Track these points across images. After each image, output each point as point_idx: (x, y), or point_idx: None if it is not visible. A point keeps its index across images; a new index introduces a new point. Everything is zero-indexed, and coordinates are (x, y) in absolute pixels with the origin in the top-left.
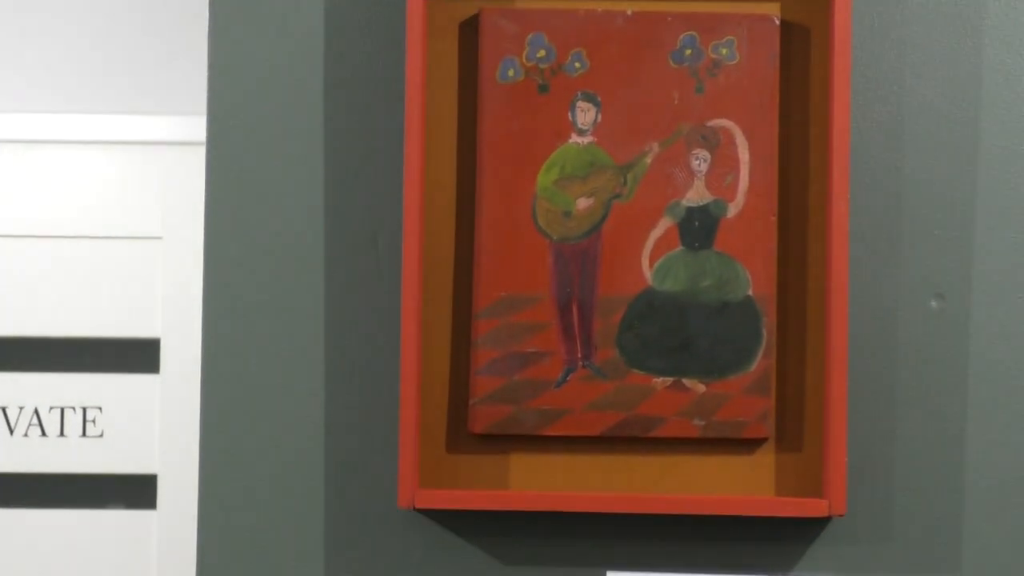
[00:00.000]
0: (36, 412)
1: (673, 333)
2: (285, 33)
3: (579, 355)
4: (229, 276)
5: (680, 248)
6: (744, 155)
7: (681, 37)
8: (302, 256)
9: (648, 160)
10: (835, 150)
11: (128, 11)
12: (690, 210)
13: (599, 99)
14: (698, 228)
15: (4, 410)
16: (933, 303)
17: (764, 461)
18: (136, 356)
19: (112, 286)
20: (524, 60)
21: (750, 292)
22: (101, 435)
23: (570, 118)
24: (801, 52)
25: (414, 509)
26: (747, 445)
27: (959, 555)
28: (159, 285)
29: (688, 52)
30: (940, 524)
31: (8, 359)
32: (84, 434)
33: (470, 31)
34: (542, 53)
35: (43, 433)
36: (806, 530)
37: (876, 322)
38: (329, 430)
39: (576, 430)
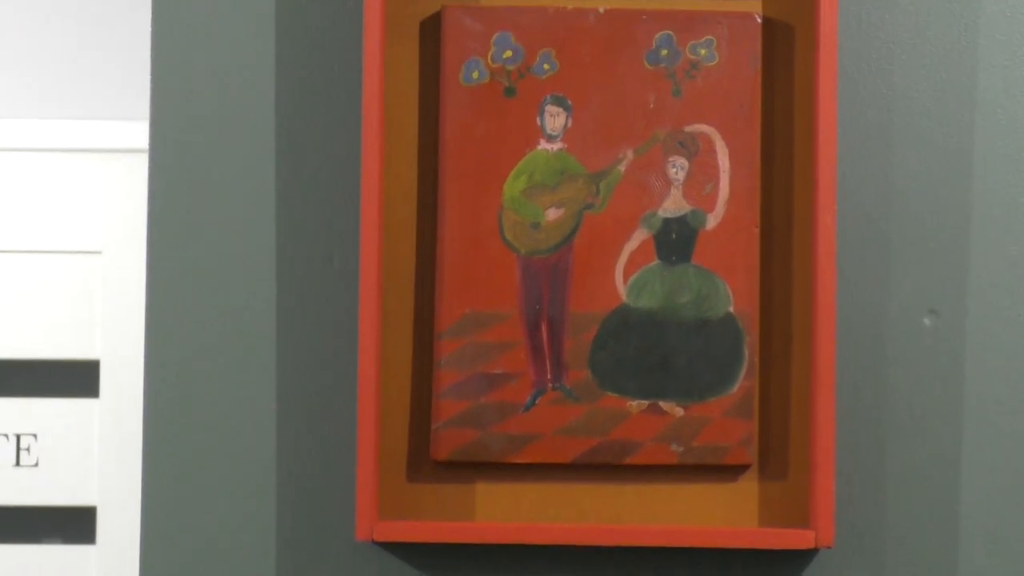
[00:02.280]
0: None
1: (649, 353)
2: (233, 32)
3: (549, 376)
4: (174, 294)
5: (656, 262)
6: (724, 162)
7: (657, 36)
8: (252, 273)
9: (622, 168)
10: (821, 157)
11: (63, 6)
12: (667, 221)
13: (569, 103)
14: (675, 240)
15: None
16: (926, 320)
17: (747, 489)
18: (73, 379)
19: (48, 304)
20: (489, 61)
21: (731, 309)
22: (36, 464)
23: (539, 123)
24: (785, 52)
25: (373, 542)
26: (728, 472)
27: None
28: (98, 303)
29: (664, 52)
30: (934, 556)
31: None
32: (17, 463)
33: (432, 30)
34: (508, 54)
35: None
36: (792, 563)
37: (865, 340)
38: (282, 458)
39: (546, 457)
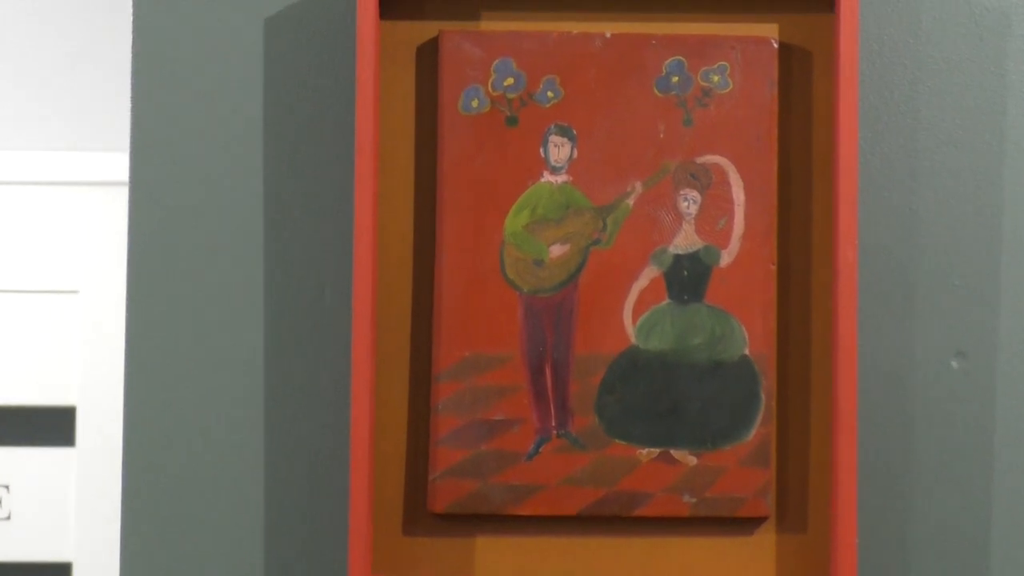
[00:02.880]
0: None
1: (659, 397)
2: (220, 59)
3: (553, 423)
4: (155, 335)
5: (667, 301)
6: (739, 195)
7: (667, 63)
8: (239, 312)
9: (630, 201)
10: (841, 190)
11: (39, 31)
12: (678, 258)
13: (574, 133)
14: (687, 278)
15: None
16: (954, 363)
17: (764, 543)
18: (48, 427)
19: (20, 347)
20: (490, 89)
21: (746, 351)
22: (8, 517)
23: (542, 154)
24: (802, 79)
25: None
26: (744, 525)
27: None
28: (75, 345)
29: (675, 79)
30: None
31: None
32: None
33: (429, 57)
34: (510, 81)
35: None
36: None
37: (889, 384)
38: (270, 510)
39: (550, 509)
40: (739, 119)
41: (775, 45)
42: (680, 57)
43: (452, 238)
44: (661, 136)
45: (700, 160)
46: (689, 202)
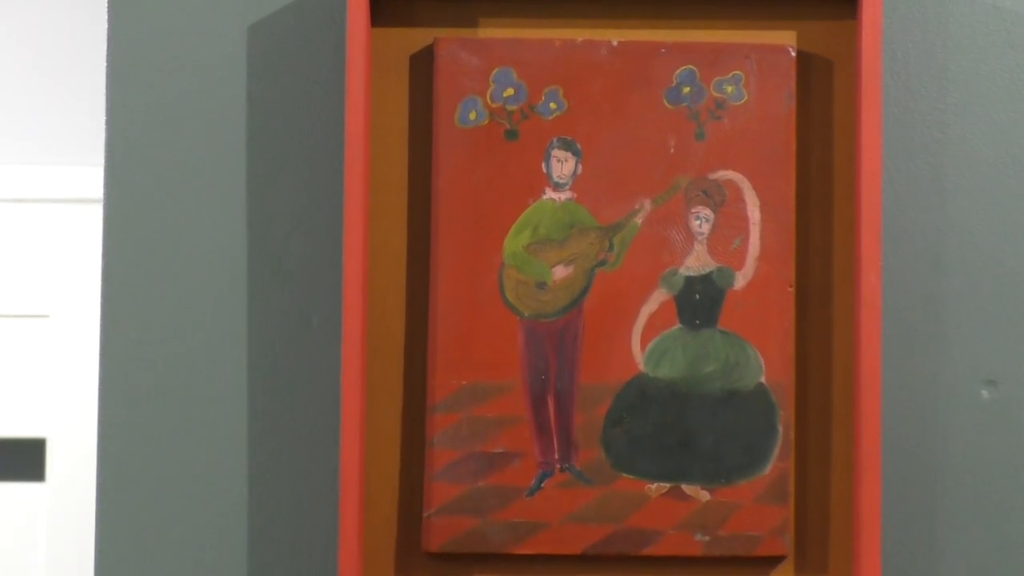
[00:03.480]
0: None
1: (670, 429)
2: (199, 71)
3: (556, 456)
4: (131, 363)
5: (678, 326)
6: (754, 214)
7: (678, 72)
8: (220, 339)
9: (638, 220)
10: (864, 208)
11: (7, 42)
12: (690, 280)
13: (579, 147)
14: (699, 302)
15: None
16: (984, 392)
17: None
18: (16, 461)
19: None
20: (488, 100)
21: (763, 379)
22: None
23: (544, 170)
24: (822, 89)
25: None
26: (761, 565)
27: None
28: (45, 374)
29: (686, 90)
30: None
31: None
32: None
33: (423, 66)
34: (510, 92)
35: None
36: None
37: (915, 415)
38: (254, 551)
39: (554, 547)
40: (754, 132)
41: (793, 53)
42: (692, 66)
43: (448, 260)
44: (671, 151)
45: (713, 176)
46: (701, 221)
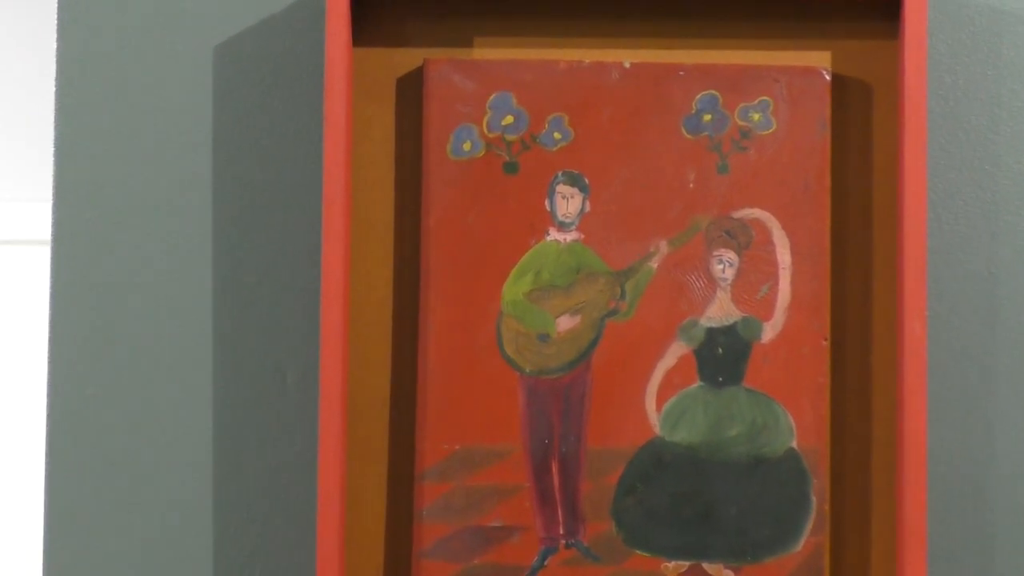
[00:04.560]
0: None
1: (689, 500)
2: (158, 99)
3: (561, 531)
4: (80, 420)
5: (698, 384)
6: (784, 257)
7: (698, 98)
8: (183, 395)
9: (654, 264)
10: (908, 251)
11: None
12: (712, 332)
13: (586, 182)
14: (722, 356)
15: None
16: None
17: None
18: None
19: None
20: (485, 129)
21: (794, 444)
22: None
23: (547, 207)
24: (860, 117)
25: None
26: None
27: None
28: None
29: (707, 118)
30: None
31: None
32: None
33: (412, 90)
34: (509, 120)
35: None
36: None
37: (965, 488)
38: None
39: None
40: (784, 165)
41: (827, 77)
42: (713, 91)
43: (439, 309)
44: (691, 186)
45: (738, 215)
46: (724, 265)
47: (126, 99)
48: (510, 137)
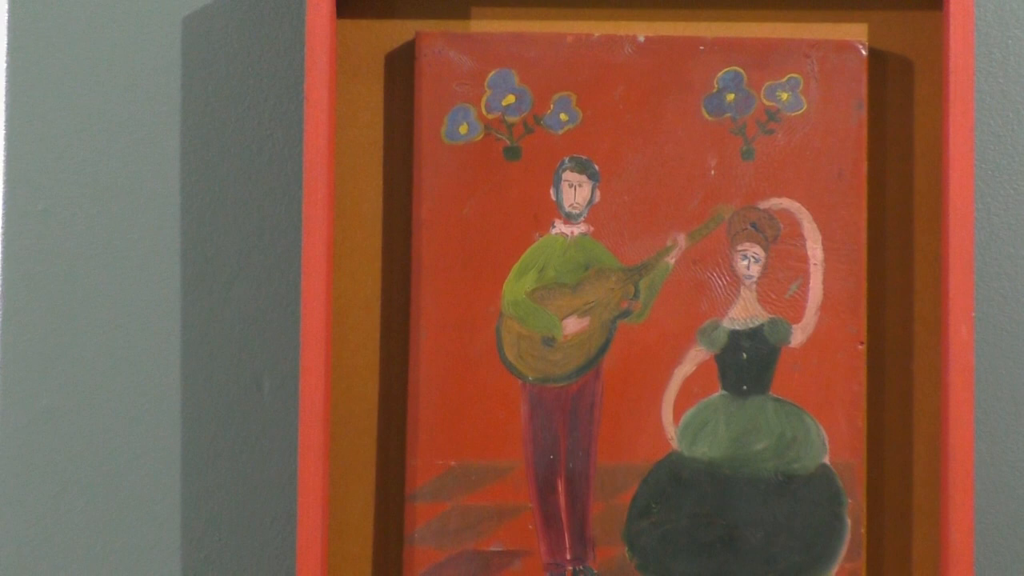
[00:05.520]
0: None
1: (710, 522)
2: (121, 73)
3: (568, 556)
4: (34, 437)
5: (720, 393)
6: (815, 252)
7: (720, 75)
8: (146, 406)
9: (671, 260)
10: (953, 244)
11: None
12: (735, 335)
13: (596, 168)
14: (747, 362)
15: None
16: None
17: None
18: None
19: None
20: (483, 110)
21: (826, 460)
22: None
23: (553, 197)
24: (900, 96)
25: None
26: None
27: None
28: None
29: (730, 97)
30: None
31: None
32: None
33: (402, 67)
34: (511, 99)
35: None
36: None
37: (1014, 506)
38: None
39: None
40: (816, 150)
41: (863, 52)
42: (737, 68)
43: (433, 310)
44: (712, 173)
45: (764, 205)
46: (749, 261)
47: (84, 77)
48: (511, 119)
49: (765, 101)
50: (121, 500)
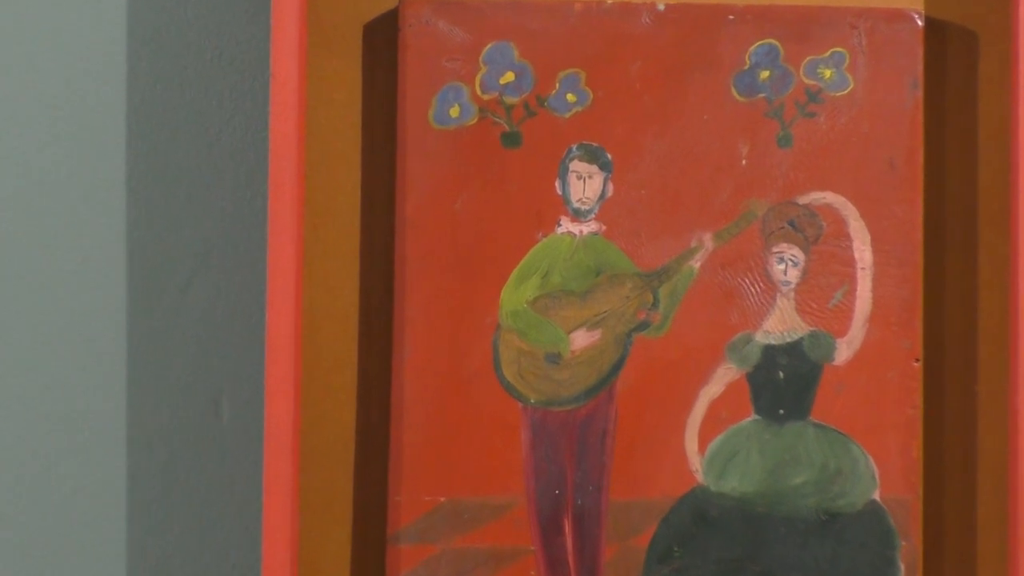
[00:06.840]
0: None
1: (742, 567)
2: (63, 46)
3: None
4: None
5: (753, 418)
6: (864, 254)
7: (752, 49)
8: (89, 431)
9: (695, 264)
10: (1023, 246)
11: None
12: (770, 351)
13: (609, 157)
14: (784, 383)
15: None
16: None
17: None
18: None
19: None
20: (478, 90)
21: (876, 495)
22: None
23: (559, 190)
24: (963, 73)
25: None
26: None
27: None
28: None
29: (765, 75)
30: None
31: None
32: None
33: (384, 40)
34: (510, 78)
35: None
36: None
37: None
38: None
39: None
40: (863, 136)
41: (919, 22)
42: (773, 41)
43: (419, 321)
44: (743, 162)
45: (804, 200)
46: (787, 264)
47: (19, 50)
48: (510, 100)
49: (805, 79)
50: (59, 543)
